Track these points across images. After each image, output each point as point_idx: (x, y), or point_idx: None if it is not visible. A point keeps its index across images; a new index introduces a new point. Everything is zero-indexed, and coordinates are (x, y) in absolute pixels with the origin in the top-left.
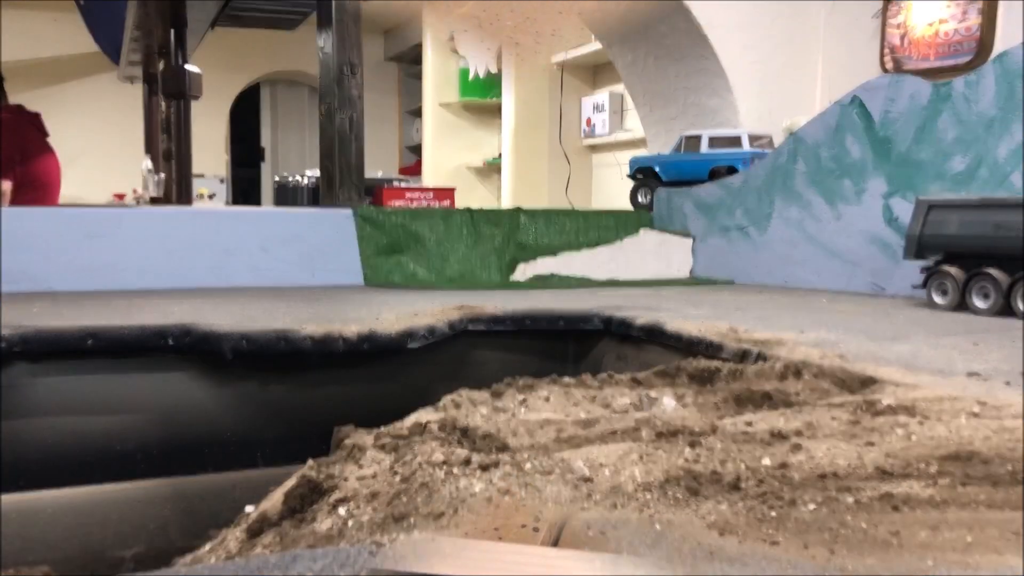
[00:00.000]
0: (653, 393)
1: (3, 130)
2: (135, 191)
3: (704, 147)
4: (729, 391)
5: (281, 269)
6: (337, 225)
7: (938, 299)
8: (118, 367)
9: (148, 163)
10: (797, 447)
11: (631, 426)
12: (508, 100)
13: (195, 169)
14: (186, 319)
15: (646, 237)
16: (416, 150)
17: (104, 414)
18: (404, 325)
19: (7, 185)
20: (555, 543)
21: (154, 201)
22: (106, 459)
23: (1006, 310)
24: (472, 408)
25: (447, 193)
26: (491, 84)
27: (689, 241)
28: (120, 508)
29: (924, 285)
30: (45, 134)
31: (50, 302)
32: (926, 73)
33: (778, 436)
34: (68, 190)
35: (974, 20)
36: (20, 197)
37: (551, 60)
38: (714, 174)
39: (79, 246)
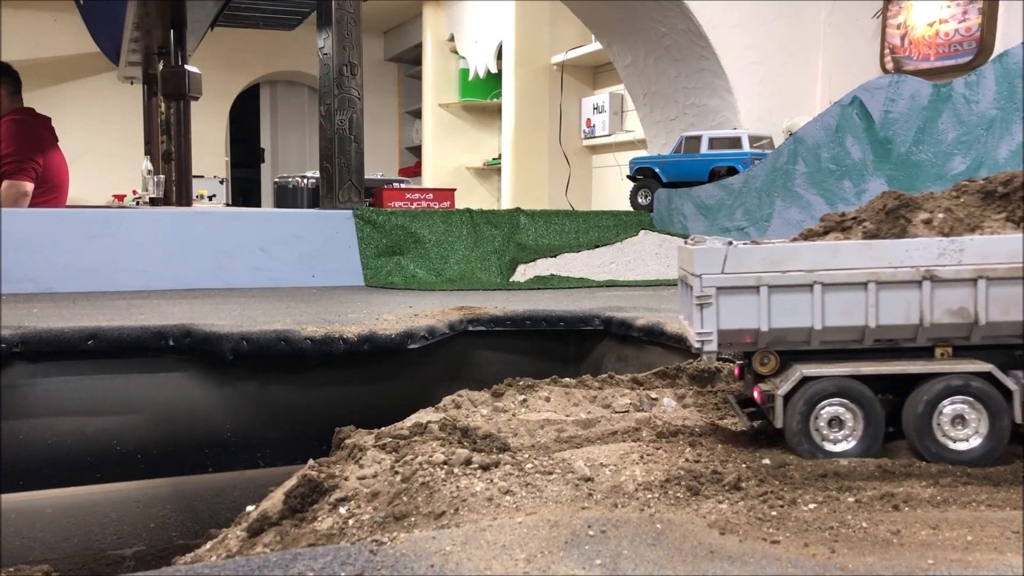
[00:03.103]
0: (653, 394)
1: (22, 130)
2: (135, 192)
3: (704, 148)
4: (730, 391)
5: (281, 270)
6: (337, 226)
7: None
8: (118, 367)
9: (148, 164)
10: None
11: (632, 426)
12: (508, 101)
13: (195, 170)
14: (186, 320)
15: (646, 238)
16: (416, 151)
17: (104, 414)
18: (404, 326)
19: (29, 186)
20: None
21: (154, 202)
22: (106, 459)
23: None
24: (473, 408)
25: (447, 194)
26: (491, 85)
27: None
28: (120, 508)
29: None
30: (55, 138)
31: (50, 303)
32: (926, 73)
33: (779, 435)
34: (68, 191)
35: (974, 20)
36: (33, 199)
37: (551, 61)
38: (714, 175)
39: (79, 247)
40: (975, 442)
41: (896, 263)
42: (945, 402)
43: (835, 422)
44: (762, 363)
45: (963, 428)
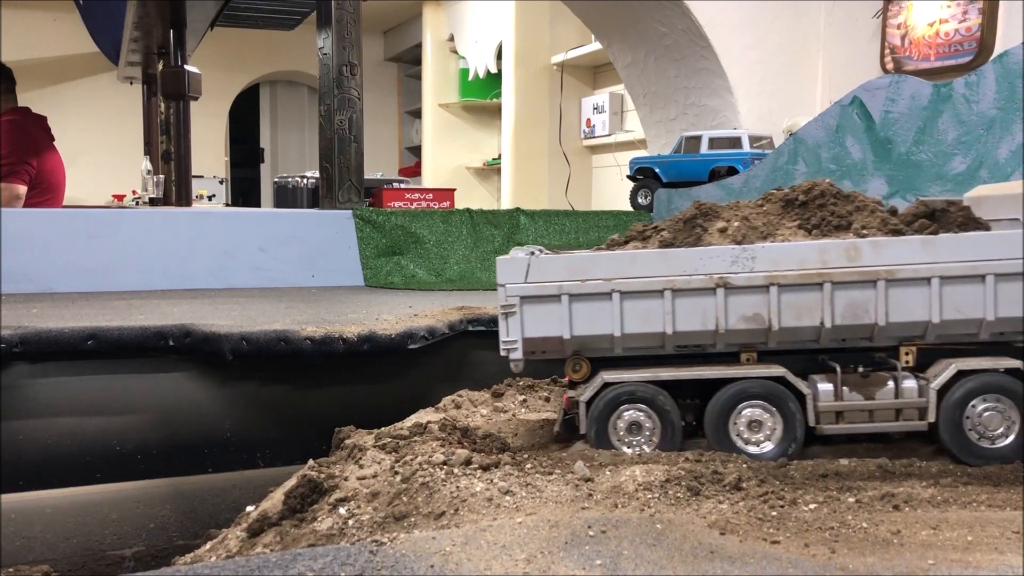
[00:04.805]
0: None
1: (16, 132)
2: (135, 192)
3: (704, 148)
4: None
5: (281, 270)
6: (337, 226)
7: None
8: (118, 367)
9: (147, 164)
10: None
11: None
12: (508, 101)
13: (194, 170)
14: (186, 320)
15: None
16: (416, 151)
17: (104, 414)
18: (404, 326)
19: (22, 189)
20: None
21: (153, 202)
22: (106, 459)
23: None
24: (473, 408)
25: (447, 194)
26: (491, 85)
27: None
28: (120, 508)
29: None
30: (52, 138)
31: (50, 303)
32: (926, 73)
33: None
34: (67, 191)
35: (974, 20)
36: (28, 200)
37: (551, 60)
38: (714, 175)
39: (79, 247)
40: (769, 445)
41: (691, 271)
42: (740, 406)
43: (634, 427)
44: (574, 370)
45: (759, 432)
